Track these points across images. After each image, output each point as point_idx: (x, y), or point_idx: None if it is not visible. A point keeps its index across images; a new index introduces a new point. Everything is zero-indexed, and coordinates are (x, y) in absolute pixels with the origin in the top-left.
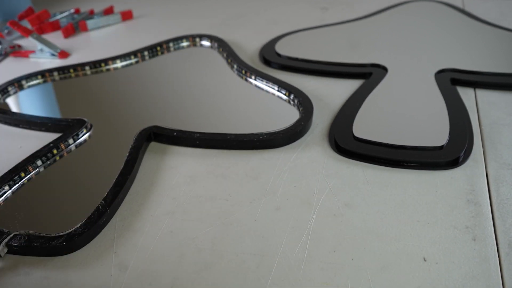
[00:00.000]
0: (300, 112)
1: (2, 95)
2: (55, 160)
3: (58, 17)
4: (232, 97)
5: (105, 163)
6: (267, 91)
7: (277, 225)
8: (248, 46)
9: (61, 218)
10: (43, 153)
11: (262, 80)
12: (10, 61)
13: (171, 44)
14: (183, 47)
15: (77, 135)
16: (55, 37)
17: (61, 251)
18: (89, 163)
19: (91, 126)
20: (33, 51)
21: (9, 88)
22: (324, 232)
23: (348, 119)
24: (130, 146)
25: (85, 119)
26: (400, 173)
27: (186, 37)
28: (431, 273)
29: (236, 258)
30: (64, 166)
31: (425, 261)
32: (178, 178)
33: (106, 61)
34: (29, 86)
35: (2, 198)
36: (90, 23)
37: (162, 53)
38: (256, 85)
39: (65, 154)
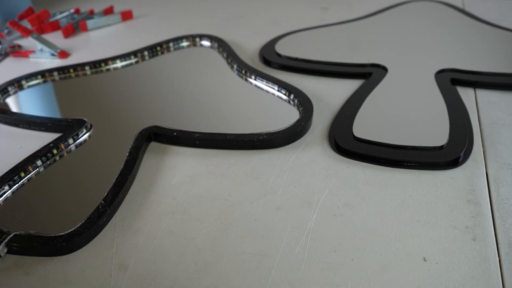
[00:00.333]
0: (300, 112)
1: (2, 95)
2: (55, 160)
3: (58, 17)
4: (232, 97)
5: (105, 163)
6: (267, 91)
7: (277, 225)
8: (248, 46)
9: (61, 218)
10: (43, 153)
11: (262, 80)
12: (10, 61)
13: (171, 44)
14: (183, 47)
15: (77, 135)
16: (55, 37)
17: (61, 251)
18: (89, 163)
19: (91, 126)
20: (33, 51)
21: (9, 88)
22: (324, 232)
23: (348, 119)
24: (130, 146)
25: (85, 119)
26: (400, 173)
27: (186, 37)
28: (431, 273)
29: (236, 258)
30: (64, 166)
31: (425, 261)
32: (178, 178)
33: (106, 61)
34: (29, 86)
35: (2, 198)
36: (90, 23)
37: (162, 53)
38: (256, 85)
39: (65, 154)
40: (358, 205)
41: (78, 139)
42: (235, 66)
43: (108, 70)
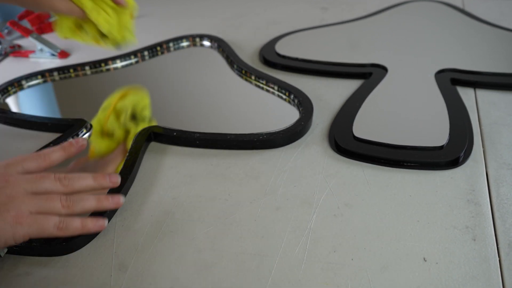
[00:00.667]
0: (300, 112)
1: (2, 95)
2: None
3: None
4: (232, 97)
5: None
6: (267, 91)
7: (277, 225)
8: (248, 46)
9: None
10: None
11: (262, 80)
12: (10, 61)
13: (171, 44)
14: (183, 47)
15: (77, 135)
16: (55, 37)
17: (61, 251)
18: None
19: (91, 126)
20: (33, 51)
21: (9, 88)
22: (324, 232)
23: (348, 119)
24: (130, 146)
25: (85, 119)
26: (400, 173)
27: (186, 37)
28: (431, 273)
29: (236, 258)
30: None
31: (425, 261)
32: (178, 178)
33: (106, 61)
34: (29, 86)
35: None
36: None
37: (162, 53)
38: (256, 85)
39: None
40: (358, 205)
41: None
42: (235, 66)
43: (108, 70)
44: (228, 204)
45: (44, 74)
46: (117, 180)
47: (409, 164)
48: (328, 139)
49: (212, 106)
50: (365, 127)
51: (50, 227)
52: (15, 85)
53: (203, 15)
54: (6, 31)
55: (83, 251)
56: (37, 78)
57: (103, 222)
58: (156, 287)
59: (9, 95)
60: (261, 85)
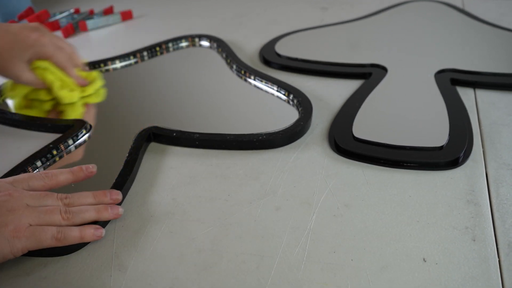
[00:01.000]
0: (299, 112)
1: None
2: (54, 161)
3: (58, 17)
4: (232, 97)
5: (104, 163)
6: (266, 91)
7: (277, 226)
8: (248, 46)
9: None
10: (42, 154)
11: (262, 80)
12: None
13: (170, 45)
14: (182, 48)
15: (77, 136)
16: None
17: (61, 251)
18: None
19: (91, 126)
20: None
21: None
22: (324, 233)
23: (348, 119)
24: (130, 147)
25: (85, 120)
26: (400, 173)
27: (186, 37)
28: (430, 273)
29: (236, 259)
30: (63, 167)
31: (425, 261)
32: (177, 179)
33: (105, 61)
34: None
35: None
36: (89, 23)
37: (162, 53)
38: (255, 85)
39: (65, 155)
40: (358, 205)
41: (78, 140)
42: (234, 67)
43: (107, 70)
44: (228, 205)
45: None
46: (117, 196)
47: (408, 164)
48: (328, 139)
49: (212, 106)
50: (364, 127)
51: (48, 238)
52: None
53: (202, 15)
54: None
55: (83, 251)
56: None
57: (101, 233)
58: None
59: None
60: (261, 85)
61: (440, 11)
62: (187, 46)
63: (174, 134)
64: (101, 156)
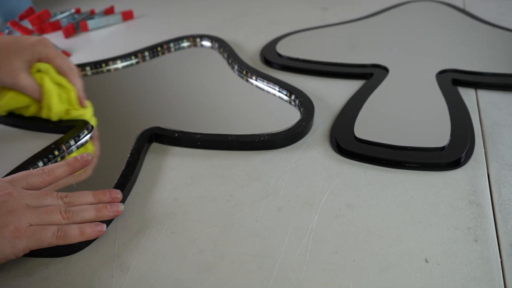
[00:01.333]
0: (301, 113)
1: None
2: (56, 162)
3: (59, 17)
4: (233, 97)
5: (106, 164)
6: (268, 92)
7: (279, 226)
8: (249, 47)
9: None
10: (44, 154)
11: (263, 81)
12: None
13: (171, 45)
14: (183, 48)
15: (78, 136)
16: (56, 37)
17: (63, 252)
18: (90, 165)
19: (92, 127)
20: None
21: None
22: (325, 233)
23: (350, 119)
24: (132, 147)
25: (86, 120)
26: (402, 174)
27: (187, 38)
28: (433, 274)
29: (238, 259)
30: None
31: (427, 262)
32: (179, 179)
33: (106, 61)
34: None
35: None
36: (90, 23)
37: (163, 53)
38: (257, 86)
39: (66, 155)
40: (360, 206)
41: (80, 140)
42: (236, 67)
43: (108, 70)
44: (230, 205)
45: None
46: (117, 195)
47: (410, 165)
48: (330, 139)
49: (213, 106)
50: (366, 127)
51: (49, 237)
52: None
53: (203, 15)
54: (6, 31)
55: (85, 252)
56: None
57: (102, 227)
58: None
59: None
60: (262, 85)
61: (441, 11)
62: (189, 46)
63: (176, 134)
64: (103, 156)
